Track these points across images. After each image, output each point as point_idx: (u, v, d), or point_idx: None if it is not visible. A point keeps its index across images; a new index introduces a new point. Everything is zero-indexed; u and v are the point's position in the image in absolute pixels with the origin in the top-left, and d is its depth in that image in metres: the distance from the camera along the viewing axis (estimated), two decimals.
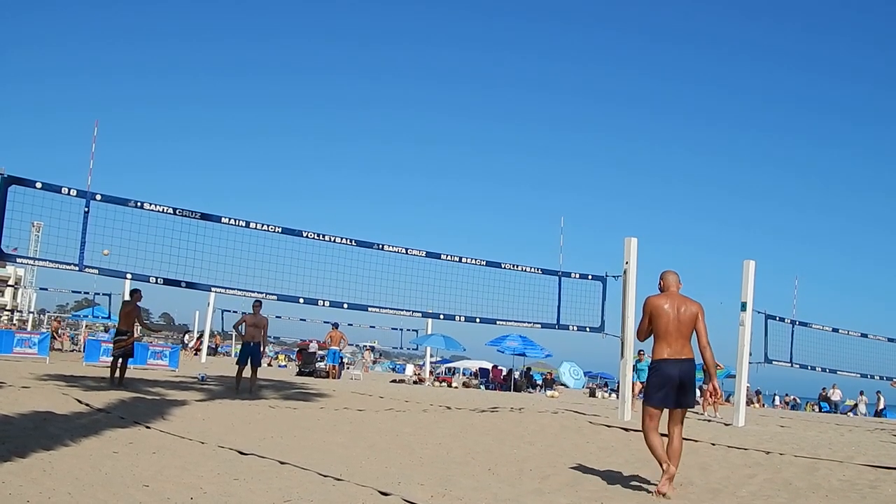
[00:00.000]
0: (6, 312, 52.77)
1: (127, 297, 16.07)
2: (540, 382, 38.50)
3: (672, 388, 6.74)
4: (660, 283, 7.25)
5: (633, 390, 16.98)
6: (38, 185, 11.05)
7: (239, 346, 17.83)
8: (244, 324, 16.29)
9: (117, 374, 14.66)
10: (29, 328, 38.18)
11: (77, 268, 11.40)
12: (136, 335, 15.38)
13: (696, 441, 10.87)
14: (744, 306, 15.55)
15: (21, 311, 52.01)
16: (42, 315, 51.32)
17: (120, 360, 14.90)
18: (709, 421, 16.79)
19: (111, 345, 15.37)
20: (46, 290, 52.78)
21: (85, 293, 39.97)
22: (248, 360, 15.81)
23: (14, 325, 42.04)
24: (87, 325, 47.10)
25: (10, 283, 75.50)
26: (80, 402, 10.30)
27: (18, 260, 13.45)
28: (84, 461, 6.30)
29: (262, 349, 16.42)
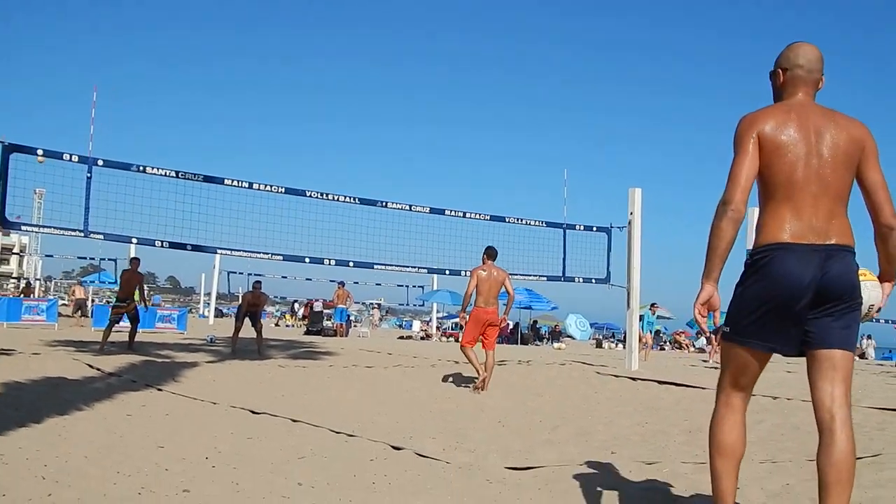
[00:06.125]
0: (13, 280, 52.87)
1: (127, 266, 16.24)
2: (546, 335, 38.69)
3: (789, 307, 3.28)
4: (782, 72, 3.57)
5: (640, 341, 17.10)
6: (40, 152, 11.02)
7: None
8: (245, 304, 16.58)
9: (126, 339, 14.80)
10: (36, 295, 38.28)
11: (82, 234, 11.40)
12: (136, 301, 15.45)
13: (704, 389, 10.95)
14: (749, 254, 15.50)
15: (27, 279, 52.10)
16: (49, 282, 51.51)
17: (129, 325, 15.05)
18: (716, 367, 16.88)
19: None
20: (52, 256, 52.79)
21: (91, 259, 40.03)
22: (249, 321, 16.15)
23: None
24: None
25: (15, 251, 75.62)
26: (91, 366, 10.37)
27: (23, 227, 13.43)
28: (98, 425, 6.35)
29: (259, 317, 16.66)
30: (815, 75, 3.52)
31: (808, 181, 3.31)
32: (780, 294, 3.27)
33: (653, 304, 23.28)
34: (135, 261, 15.71)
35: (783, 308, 3.27)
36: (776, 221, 3.33)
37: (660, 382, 11.69)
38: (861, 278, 3.41)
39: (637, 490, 4.72)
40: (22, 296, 31.30)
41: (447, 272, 14.83)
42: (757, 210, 3.48)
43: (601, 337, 41.15)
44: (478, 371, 10.74)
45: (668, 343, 38.93)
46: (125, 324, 15.06)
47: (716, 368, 16.70)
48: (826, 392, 3.29)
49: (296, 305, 44.42)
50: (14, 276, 60.23)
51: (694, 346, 36.44)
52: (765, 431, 7.64)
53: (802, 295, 3.24)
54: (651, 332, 22.45)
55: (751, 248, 3.44)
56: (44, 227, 12.59)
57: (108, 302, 17.35)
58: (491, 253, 11.12)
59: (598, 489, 4.71)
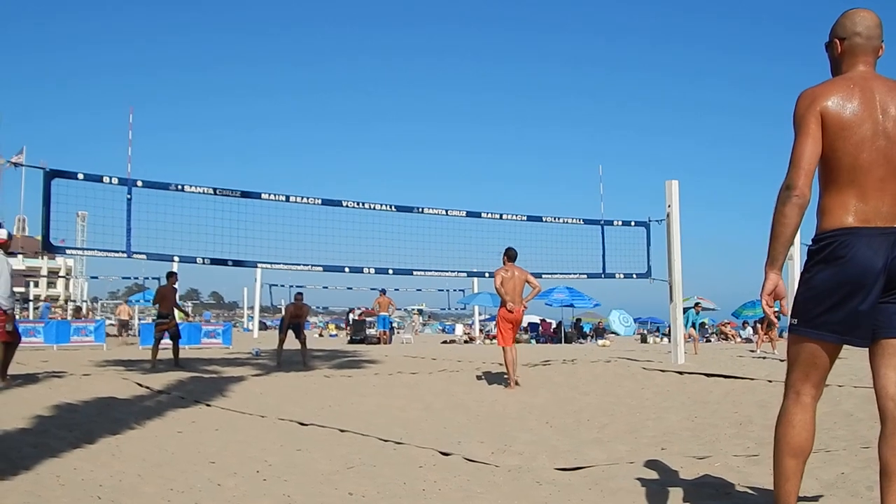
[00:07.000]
0: (59, 303, 53.76)
1: (164, 281, 16.42)
2: (590, 332, 38.48)
3: (862, 295, 3.12)
4: (839, 42, 3.38)
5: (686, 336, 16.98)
6: (80, 175, 11.18)
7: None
8: (288, 315, 16.79)
9: (171, 356, 14.99)
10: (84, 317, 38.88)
11: (125, 254, 11.56)
12: (177, 317, 15.68)
13: (752, 379, 10.82)
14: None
15: (74, 301, 52.96)
16: (95, 303, 52.31)
17: (170, 343, 15.23)
18: (763, 357, 16.69)
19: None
20: (97, 278, 53.64)
21: (135, 278, 40.64)
22: (293, 333, 16.37)
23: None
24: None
25: (61, 274, 77.01)
26: (140, 385, 10.50)
27: (67, 251, 13.64)
28: (150, 442, 6.44)
29: (302, 328, 16.91)
30: (875, 42, 3.31)
31: (874, 164, 3.12)
32: (851, 280, 3.09)
33: (696, 304, 23.21)
34: (171, 276, 15.96)
35: (855, 296, 3.10)
36: (840, 206, 3.16)
37: (708, 375, 11.55)
38: None
39: (689, 486, 4.68)
40: (74, 317, 31.91)
41: (486, 274, 14.79)
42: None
43: (646, 332, 40.82)
44: (510, 373, 11.28)
45: (714, 335, 38.55)
46: (168, 342, 15.26)
47: (763, 357, 16.52)
48: (889, 379, 3.16)
49: (350, 316, 44.64)
50: (62, 298, 61.28)
51: (740, 336, 36.05)
52: (816, 420, 7.53)
53: (875, 281, 3.09)
54: (696, 325, 22.31)
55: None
56: (87, 249, 12.78)
57: (154, 320, 17.62)
58: (511, 254, 11.71)
59: (650, 487, 4.67)
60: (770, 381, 10.48)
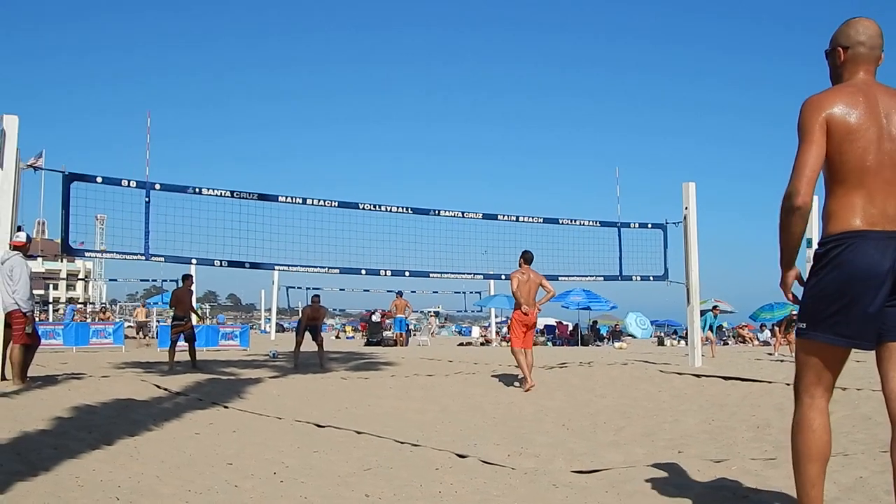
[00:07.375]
0: (80, 305, 54.20)
1: (180, 284, 16.57)
2: (607, 335, 38.37)
3: (870, 298, 3.13)
4: (842, 50, 3.41)
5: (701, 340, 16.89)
6: (99, 179, 11.26)
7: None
8: (305, 318, 16.85)
9: (188, 357, 15.07)
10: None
11: (143, 257, 11.63)
12: (193, 319, 15.78)
13: (770, 382, 10.77)
14: (809, 242, 15.23)
15: (94, 303, 53.31)
16: (114, 305, 52.71)
17: (186, 345, 15.31)
18: (781, 361, 16.60)
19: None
20: (115, 280, 54.19)
21: (153, 281, 40.85)
22: (310, 335, 16.44)
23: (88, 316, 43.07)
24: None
25: (80, 276, 77.61)
26: (158, 387, 10.54)
27: (86, 254, 13.74)
28: (168, 444, 6.46)
29: (319, 331, 16.90)
30: (877, 52, 3.36)
31: (881, 167, 3.15)
32: (859, 284, 3.10)
33: (714, 307, 23.15)
34: (187, 279, 16.09)
35: (863, 299, 3.10)
36: (847, 208, 3.17)
37: (725, 378, 11.51)
38: None
39: (706, 489, 4.67)
40: (98, 318, 32.30)
41: (503, 276, 14.78)
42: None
43: (662, 334, 40.68)
44: (525, 374, 11.31)
45: (731, 337, 38.36)
46: (184, 343, 15.34)
47: (781, 361, 16.43)
48: None
49: (372, 318, 44.57)
50: (80, 301, 61.71)
51: (758, 339, 35.87)
52: (834, 423, 7.42)
53: (882, 284, 3.09)
54: (713, 328, 22.25)
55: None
56: (106, 252, 12.86)
57: (171, 322, 17.73)
58: (527, 257, 11.87)
59: (666, 489, 4.66)
60: (788, 385, 10.41)
